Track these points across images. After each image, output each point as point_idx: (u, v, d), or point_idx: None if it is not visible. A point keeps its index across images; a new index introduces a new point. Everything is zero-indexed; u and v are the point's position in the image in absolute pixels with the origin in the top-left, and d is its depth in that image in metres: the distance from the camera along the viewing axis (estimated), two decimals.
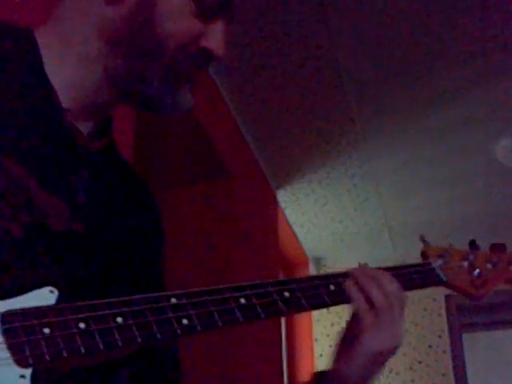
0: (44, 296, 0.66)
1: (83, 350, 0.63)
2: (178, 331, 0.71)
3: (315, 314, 4.82)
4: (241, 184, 3.12)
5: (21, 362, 0.60)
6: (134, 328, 0.68)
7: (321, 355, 4.65)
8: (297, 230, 4.36)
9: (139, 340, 0.67)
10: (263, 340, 3.14)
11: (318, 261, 4.88)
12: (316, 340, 4.76)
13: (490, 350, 4.84)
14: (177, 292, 0.74)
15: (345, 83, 2.94)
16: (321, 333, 4.78)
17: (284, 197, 3.91)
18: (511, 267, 1.13)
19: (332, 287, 0.89)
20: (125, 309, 0.68)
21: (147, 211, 0.92)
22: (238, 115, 3.15)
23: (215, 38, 0.84)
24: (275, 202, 3.85)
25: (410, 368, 4.70)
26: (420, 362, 4.70)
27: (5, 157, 0.71)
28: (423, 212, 4.17)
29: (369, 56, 2.78)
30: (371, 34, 2.65)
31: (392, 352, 0.90)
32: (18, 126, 0.75)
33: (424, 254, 1.07)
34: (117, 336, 0.66)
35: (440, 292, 4.76)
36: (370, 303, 0.89)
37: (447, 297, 4.77)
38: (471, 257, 1.10)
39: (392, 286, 0.91)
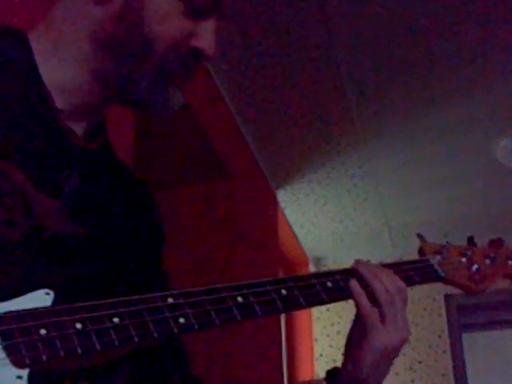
0: (40, 298, 0.66)
1: (80, 350, 0.64)
2: (175, 330, 0.71)
3: (315, 313, 4.82)
4: (241, 184, 3.12)
5: (17, 362, 0.60)
6: (130, 328, 0.68)
7: (321, 355, 4.65)
8: (297, 229, 4.36)
9: (136, 339, 0.68)
10: (263, 340, 3.14)
11: (317, 261, 4.88)
12: (316, 340, 4.76)
13: (489, 350, 4.84)
14: (174, 292, 0.74)
15: (345, 83, 2.94)
16: (321, 333, 4.78)
17: (284, 197, 3.91)
18: (509, 262, 1.14)
19: (329, 284, 0.90)
20: (121, 309, 0.69)
21: (145, 211, 0.92)
22: (237, 115, 3.15)
23: (205, 37, 0.84)
24: (275, 202, 3.85)
25: (410, 368, 4.70)
26: (420, 362, 4.70)
27: (1, 159, 0.71)
28: (423, 212, 4.17)
29: (369, 56, 2.78)
30: (371, 34, 2.65)
31: (400, 347, 0.90)
32: (12, 127, 0.75)
33: (421, 251, 1.08)
34: (113, 336, 0.66)
35: (440, 292, 4.76)
36: (373, 300, 0.90)
37: (447, 297, 4.76)
38: (469, 253, 1.10)
39: (396, 281, 0.92)
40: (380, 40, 2.68)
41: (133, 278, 0.82)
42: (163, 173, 2.93)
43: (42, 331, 0.63)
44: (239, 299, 0.78)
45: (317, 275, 0.90)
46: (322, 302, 0.89)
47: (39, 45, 0.82)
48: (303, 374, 4.39)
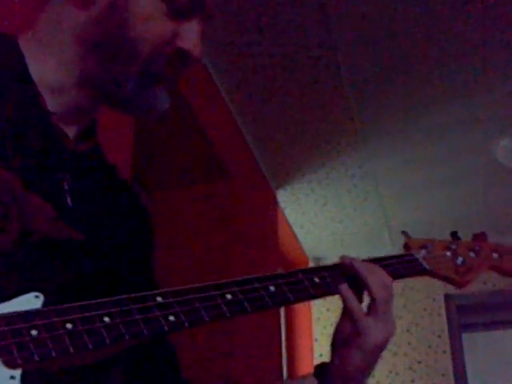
0: (30, 301, 0.67)
1: (72, 350, 0.64)
2: (166, 328, 0.72)
3: (315, 313, 4.82)
4: (241, 184, 3.12)
5: (9, 363, 0.61)
6: (121, 326, 0.68)
7: (321, 355, 4.64)
8: (297, 230, 4.36)
9: (127, 337, 0.68)
10: (263, 340, 3.14)
11: (317, 261, 4.88)
12: (316, 340, 4.76)
13: (489, 350, 4.83)
14: (163, 290, 0.75)
15: (345, 83, 2.94)
16: (321, 333, 4.78)
17: (284, 197, 3.91)
18: (494, 254, 1.15)
19: (316, 280, 0.91)
20: (111, 309, 0.69)
21: (134, 215, 0.93)
22: (237, 115, 3.15)
23: (189, 37, 0.85)
24: (275, 202, 3.85)
25: (410, 368, 4.70)
26: (420, 362, 4.70)
27: None
28: (423, 212, 4.17)
29: (369, 56, 2.78)
30: (371, 34, 2.65)
31: (387, 342, 0.91)
32: (5, 129, 0.76)
33: (406, 246, 1.09)
34: (105, 335, 0.67)
35: (440, 292, 4.76)
36: (360, 297, 0.91)
37: (447, 297, 4.76)
38: (454, 246, 1.12)
39: (385, 277, 0.93)
40: (380, 40, 2.68)
41: (122, 282, 0.82)
42: (163, 173, 2.93)
43: (33, 332, 0.63)
44: (228, 296, 0.79)
45: (304, 271, 0.91)
46: (310, 297, 0.90)
47: (28, 49, 0.83)
48: (303, 374, 4.38)
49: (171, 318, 0.73)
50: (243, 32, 2.60)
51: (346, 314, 0.91)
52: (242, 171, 3.22)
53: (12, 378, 0.61)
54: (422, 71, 2.88)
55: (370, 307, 0.90)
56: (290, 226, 4.27)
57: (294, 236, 4.41)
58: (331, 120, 3.22)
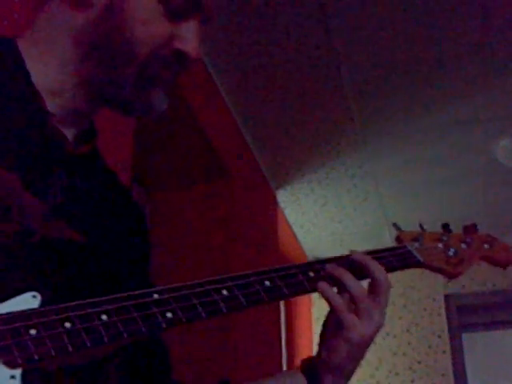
0: (27, 301, 0.67)
1: (71, 348, 0.64)
2: (163, 324, 0.72)
3: (315, 313, 4.82)
4: (241, 184, 3.12)
5: (9, 363, 0.61)
6: (119, 324, 0.69)
7: None
8: (296, 230, 4.36)
9: (125, 335, 0.69)
10: (263, 340, 3.14)
11: None
12: (315, 334, 4.76)
13: (489, 350, 4.84)
14: (159, 288, 0.76)
15: (345, 83, 2.94)
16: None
17: (284, 197, 3.91)
18: (485, 245, 1.16)
19: (311, 274, 0.91)
20: (109, 306, 0.70)
21: (130, 219, 0.93)
22: (237, 115, 3.15)
23: (187, 38, 0.85)
24: (275, 202, 3.85)
25: (410, 368, 4.70)
26: (419, 362, 4.70)
27: None
28: (423, 212, 4.17)
29: (369, 56, 2.78)
30: (371, 34, 2.65)
31: (374, 335, 0.91)
32: (4, 130, 0.76)
33: (398, 239, 1.10)
34: (103, 332, 0.67)
35: (440, 292, 4.76)
36: (372, 291, 0.91)
37: (447, 297, 4.77)
38: (445, 238, 1.13)
39: (377, 272, 0.93)
40: (380, 40, 2.68)
41: (119, 282, 0.83)
42: (163, 173, 2.93)
43: (32, 331, 0.63)
44: (224, 292, 0.79)
45: (298, 266, 0.91)
46: (305, 291, 0.90)
47: (27, 51, 0.84)
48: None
49: (169, 314, 0.73)
50: (243, 32, 2.60)
51: (331, 309, 0.91)
52: (242, 171, 3.22)
53: (12, 377, 0.61)
54: (422, 71, 2.88)
55: (372, 300, 0.91)
56: (289, 226, 4.27)
57: (294, 236, 4.41)
58: (331, 120, 3.22)
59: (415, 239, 1.08)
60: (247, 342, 2.87)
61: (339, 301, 0.89)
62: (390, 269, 0.98)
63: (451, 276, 1.09)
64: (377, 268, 0.93)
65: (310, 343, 4.69)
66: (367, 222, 4.29)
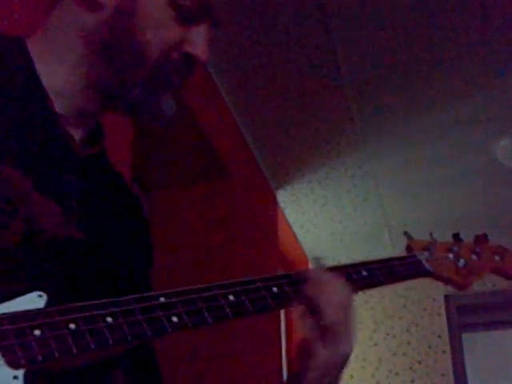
0: (33, 300, 0.66)
1: (75, 350, 0.64)
2: (169, 329, 0.71)
3: None
4: (241, 184, 3.12)
5: (13, 363, 0.61)
6: (124, 327, 0.68)
7: None
8: (296, 230, 4.36)
9: (129, 338, 0.68)
10: (263, 342, 3.14)
11: (317, 261, 4.87)
12: None
13: (489, 350, 4.84)
14: (166, 291, 0.75)
15: (345, 83, 2.94)
16: None
17: (284, 197, 3.91)
18: (496, 257, 1.15)
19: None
20: (114, 309, 0.69)
21: (136, 221, 0.93)
22: (237, 115, 3.15)
23: (197, 42, 0.85)
24: (275, 202, 3.85)
25: (410, 368, 4.70)
26: (419, 362, 4.70)
27: (1, 161, 0.72)
28: (423, 212, 4.17)
29: (369, 56, 2.78)
30: (371, 34, 2.65)
31: (345, 361, 0.86)
32: (13, 130, 0.76)
33: (409, 248, 1.09)
34: (107, 335, 0.67)
35: (440, 292, 4.76)
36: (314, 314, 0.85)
37: (447, 297, 4.77)
38: (456, 248, 1.12)
39: (340, 296, 0.86)
40: (380, 40, 2.68)
41: (123, 283, 0.82)
42: (163, 173, 2.93)
43: (36, 332, 0.63)
44: (231, 297, 0.79)
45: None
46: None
47: (37, 52, 0.83)
48: None
49: (174, 318, 0.72)
50: (243, 32, 2.60)
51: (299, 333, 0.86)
52: (242, 171, 3.22)
53: (15, 378, 0.61)
54: (422, 71, 2.88)
55: (322, 327, 0.84)
56: (289, 226, 4.27)
57: (294, 236, 4.41)
58: (331, 120, 3.22)
59: (425, 248, 1.07)
60: (247, 343, 2.87)
61: (314, 332, 0.83)
62: (400, 278, 0.98)
63: (460, 287, 1.08)
64: (319, 293, 0.85)
65: None
66: (367, 221, 4.29)
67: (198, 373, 2.60)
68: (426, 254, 1.06)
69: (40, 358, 0.62)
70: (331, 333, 0.84)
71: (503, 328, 4.90)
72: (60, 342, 0.64)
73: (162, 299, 0.73)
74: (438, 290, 4.73)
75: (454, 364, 4.62)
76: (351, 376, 4.72)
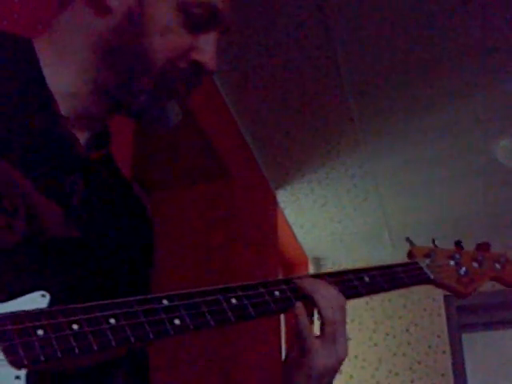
0: (36, 300, 0.67)
1: (77, 351, 0.64)
2: (171, 331, 0.72)
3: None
4: (241, 184, 3.12)
5: (15, 362, 0.61)
6: (126, 328, 0.68)
7: None
8: (296, 230, 4.36)
9: (132, 340, 0.68)
10: (263, 342, 3.14)
11: (317, 261, 4.88)
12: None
13: (489, 351, 4.84)
14: (169, 293, 0.75)
15: (345, 83, 2.94)
16: None
17: (283, 197, 3.91)
18: (496, 265, 1.16)
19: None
20: (117, 310, 0.69)
21: (139, 223, 0.93)
22: (237, 115, 3.15)
23: (206, 50, 0.84)
24: (275, 203, 3.85)
25: (410, 368, 4.70)
26: (419, 363, 4.70)
27: (3, 161, 0.72)
28: (423, 212, 4.17)
29: (369, 56, 2.78)
30: (371, 35, 2.65)
31: (337, 368, 0.85)
32: (18, 131, 0.76)
33: (410, 254, 1.09)
34: (110, 336, 0.67)
35: (439, 292, 4.76)
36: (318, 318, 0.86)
37: (446, 297, 4.76)
38: (457, 256, 1.12)
39: (336, 296, 0.87)
40: (380, 40, 2.68)
41: (124, 284, 0.82)
42: (163, 173, 2.93)
43: (40, 332, 0.63)
44: (233, 301, 0.79)
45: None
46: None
47: (43, 53, 0.83)
48: None
49: (176, 321, 0.73)
50: (243, 32, 2.60)
51: (296, 333, 0.86)
52: (242, 171, 3.22)
53: (17, 378, 0.61)
54: (422, 71, 2.88)
55: (319, 328, 0.85)
56: (289, 226, 4.27)
57: (294, 236, 4.41)
58: (331, 120, 3.22)
59: (427, 255, 1.07)
60: (247, 343, 2.87)
61: (307, 322, 0.85)
62: (402, 285, 0.98)
63: (461, 296, 1.08)
64: (316, 293, 0.86)
65: None
66: (367, 221, 4.29)
67: (199, 373, 2.60)
68: (428, 260, 1.06)
69: (42, 359, 0.62)
70: (329, 332, 0.84)
71: (503, 328, 4.90)
72: (63, 342, 0.64)
73: (165, 301, 0.74)
74: (438, 290, 4.73)
75: (453, 364, 4.62)
76: (351, 376, 4.72)
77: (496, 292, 4.75)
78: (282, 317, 4.10)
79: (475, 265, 1.13)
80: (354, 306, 4.65)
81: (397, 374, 4.70)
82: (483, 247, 1.17)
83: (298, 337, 0.86)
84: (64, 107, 0.82)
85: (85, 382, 0.74)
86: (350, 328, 4.69)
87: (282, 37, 2.64)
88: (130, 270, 0.85)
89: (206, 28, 0.84)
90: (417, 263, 1.05)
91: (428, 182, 3.84)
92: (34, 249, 0.71)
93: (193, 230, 2.91)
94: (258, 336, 3.04)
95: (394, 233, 4.42)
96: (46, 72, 0.82)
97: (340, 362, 0.85)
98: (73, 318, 0.66)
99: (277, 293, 0.84)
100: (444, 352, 4.67)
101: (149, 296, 0.73)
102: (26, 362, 0.61)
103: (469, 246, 1.15)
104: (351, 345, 4.69)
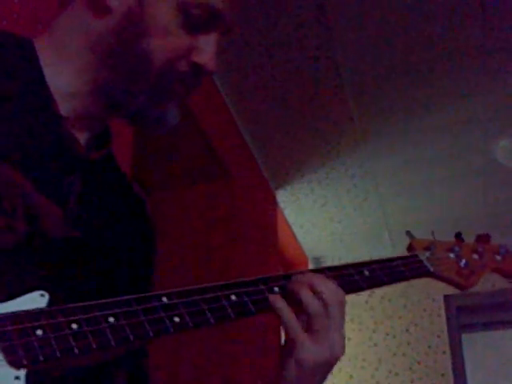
0: (35, 300, 0.66)
1: (76, 350, 0.64)
2: (171, 329, 0.71)
3: None
4: (241, 184, 3.12)
5: (15, 363, 0.61)
6: (126, 327, 0.68)
7: None
8: (296, 230, 4.36)
9: (132, 338, 0.68)
10: (263, 342, 3.14)
11: (317, 261, 4.88)
12: None
13: (489, 351, 4.84)
14: (168, 291, 0.75)
15: (345, 83, 2.94)
16: None
17: (283, 197, 3.91)
18: (497, 257, 1.15)
19: None
20: (116, 309, 0.69)
21: (140, 224, 0.93)
22: (237, 115, 3.15)
23: (206, 51, 0.84)
24: (275, 202, 3.85)
25: (410, 368, 4.70)
26: (419, 363, 4.70)
27: (3, 161, 0.72)
28: (423, 212, 4.17)
29: (369, 56, 2.78)
30: (371, 35, 2.65)
31: (332, 364, 0.82)
32: (17, 131, 0.76)
33: (410, 247, 1.08)
34: (109, 336, 0.67)
35: (439, 292, 4.76)
36: (297, 310, 0.83)
37: (446, 297, 4.76)
38: (457, 248, 1.11)
39: (332, 290, 0.84)
40: (380, 40, 2.68)
41: (124, 284, 0.83)
42: (163, 173, 2.93)
43: (39, 332, 0.63)
44: (233, 298, 0.79)
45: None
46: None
47: (43, 53, 0.83)
48: None
49: (176, 319, 0.72)
50: (243, 32, 2.60)
51: (282, 325, 0.84)
52: (242, 171, 3.22)
53: (17, 378, 0.61)
54: (421, 71, 2.88)
55: (307, 323, 0.82)
56: (289, 226, 4.27)
57: (294, 236, 4.41)
58: (331, 120, 3.22)
59: (427, 248, 1.07)
60: (247, 343, 2.87)
61: (290, 315, 0.82)
62: (402, 279, 0.98)
63: (462, 288, 1.08)
64: (300, 286, 0.83)
65: None
66: (367, 221, 4.29)
67: (198, 373, 2.60)
68: (428, 253, 1.06)
69: (42, 359, 0.62)
70: (319, 327, 0.81)
71: (503, 328, 4.90)
72: (62, 342, 0.64)
73: (164, 299, 0.73)
74: (438, 290, 4.73)
75: (453, 364, 4.62)
76: (351, 376, 4.72)
77: (496, 292, 4.76)
78: None
79: (475, 257, 1.12)
80: (354, 305, 4.65)
81: (397, 374, 4.69)
82: (483, 239, 1.16)
83: (284, 329, 0.84)
84: (64, 107, 0.82)
85: (85, 382, 0.74)
86: (350, 328, 4.69)
87: (281, 37, 2.64)
88: (130, 270, 0.85)
89: (206, 29, 0.84)
90: (417, 256, 1.05)
91: (428, 181, 3.84)
92: (34, 249, 0.71)
93: (193, 230, 2.91)
94: (257, 335, 3.04)
95: (393, 233, 4.42)
96: (46, 72, 0.82)
97: (336, 359, 0.82)
98: (72, 318, 0.66)
99: (276, 289, 0.84)
100: (444, 352, 4.67)
101: (147, 294, 0.73)
102: (25, 362, 0.61)
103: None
104: (351, 345, 4.69)
